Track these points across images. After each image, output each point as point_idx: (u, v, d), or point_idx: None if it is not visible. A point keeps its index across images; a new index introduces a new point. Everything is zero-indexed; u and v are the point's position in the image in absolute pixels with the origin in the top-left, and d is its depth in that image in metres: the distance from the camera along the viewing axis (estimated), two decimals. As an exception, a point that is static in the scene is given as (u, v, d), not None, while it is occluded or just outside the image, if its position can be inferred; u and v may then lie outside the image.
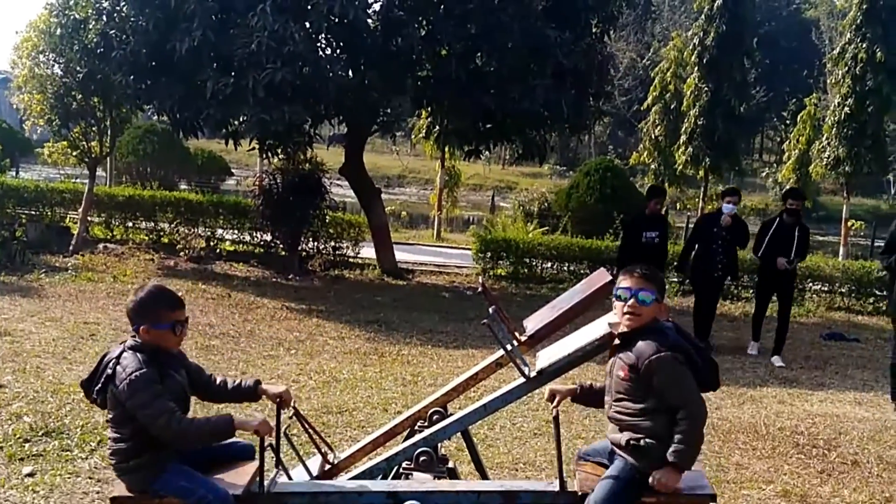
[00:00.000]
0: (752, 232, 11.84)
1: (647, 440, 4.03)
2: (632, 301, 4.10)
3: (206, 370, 4.48)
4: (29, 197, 17.91)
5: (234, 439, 4.38)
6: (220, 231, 17.75)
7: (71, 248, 15.73)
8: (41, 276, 13.34)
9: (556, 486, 4.24)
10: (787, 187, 11.37)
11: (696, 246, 11.73)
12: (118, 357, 4.09)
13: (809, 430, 7.84)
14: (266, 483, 4.19)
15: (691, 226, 18.43)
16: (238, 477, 4.26)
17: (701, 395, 4.03)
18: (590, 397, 4.49)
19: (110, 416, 4.11)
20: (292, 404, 4.40)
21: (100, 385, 4.11)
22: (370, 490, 4.28)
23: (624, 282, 4.18)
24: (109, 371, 4.07)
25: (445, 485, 4.40)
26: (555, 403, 4.30)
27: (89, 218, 17.09)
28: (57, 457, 5.88)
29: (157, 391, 3.98)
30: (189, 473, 4.11)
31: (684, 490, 4.10)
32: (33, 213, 17.95)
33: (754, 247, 11.53)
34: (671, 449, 3.96)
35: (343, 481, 4.50)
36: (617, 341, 4.21)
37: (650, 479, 4.01)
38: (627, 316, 4.11)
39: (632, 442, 4.06)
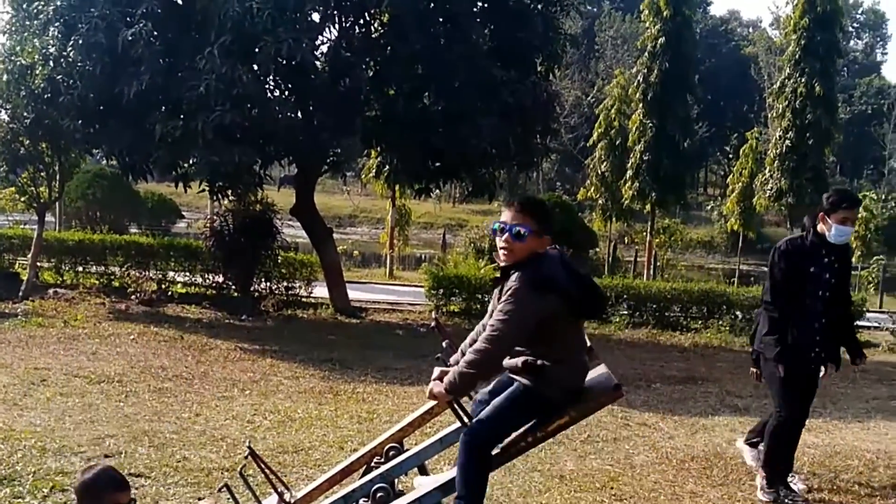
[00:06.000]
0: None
1: (543, 360, 4.06)
2: (506, 236, 4.08)
3: None
4: (-23, 244, 17.67)
5: None
6: (171, 273, 17.60)
7: (20, 293, 15.53)
8: (-11, 322, 13.18)
9: None
10: None
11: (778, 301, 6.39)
12: None
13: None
14: None
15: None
16: None
17: (509, 336, 4.00)
18: None
19: None
20: (248, 444, 4.42)
21: None
22: None
23: (503, 214, 4.16)
24: None
25: None
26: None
27: (39, 263, 16.88)
28: (9, 504, 5.83)
29: None
30: None
31: (593, 391, 4.22)
32: (-19, 260, 17.71)
33: None
34: (449, 374, 4.08)
35: None
36: (498, 274, 4.22)
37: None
38: (502, 251, 4.12)
39: (528, 361, 4.07)
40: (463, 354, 4.45)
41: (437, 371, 4.38)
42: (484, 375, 4.10)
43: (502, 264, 4.15)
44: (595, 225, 31.86)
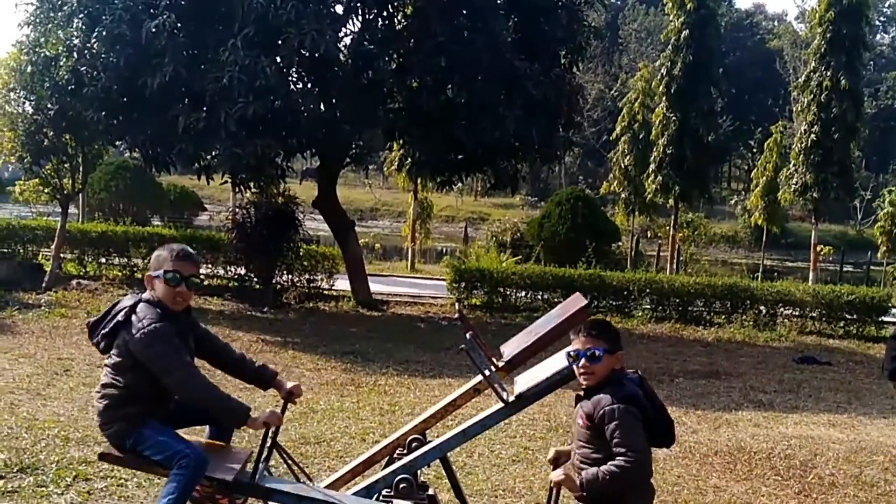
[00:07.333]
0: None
1: None
2: (583, 361, 4.13)
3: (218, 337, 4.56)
4: (1, 234, 17.73)
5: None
6: (193, 265, 17.61)
7: (44, 284, 15.62)
8: (14, 313, 13.22)
9: None
10: None
11: None
12: (132, 306, 4.14)
13: (785, 452, 7.90)
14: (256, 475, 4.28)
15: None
16: (222, 457, 4.34)
17: (644, 451, 4.00)
18: None
19: (111, 361, 4.19)
20: (270, 435, 4.41)
21: (107, 329, 4.18)
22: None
23: (574, 343, 4.21)
24: (121, 318, 4.13)
25: None
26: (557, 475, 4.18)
27: (62, 255, 16.98)
28: (32, 493, 5.83)
29: (175, 345, 4.07)
30: (168, 431, 4.19)
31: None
32: (5, 250, 17.73)
33: None
34: (592, 470, 4.00)
35: (329, 491, 4.52)
36: (581, 392, 4.25)
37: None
38: (583, 376, 4.15)
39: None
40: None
41: (553, 451, 4.41)
42: (623, 488, 4.04)
43: (585, 385, 4.19)
44: (618, 219, 31.73)
